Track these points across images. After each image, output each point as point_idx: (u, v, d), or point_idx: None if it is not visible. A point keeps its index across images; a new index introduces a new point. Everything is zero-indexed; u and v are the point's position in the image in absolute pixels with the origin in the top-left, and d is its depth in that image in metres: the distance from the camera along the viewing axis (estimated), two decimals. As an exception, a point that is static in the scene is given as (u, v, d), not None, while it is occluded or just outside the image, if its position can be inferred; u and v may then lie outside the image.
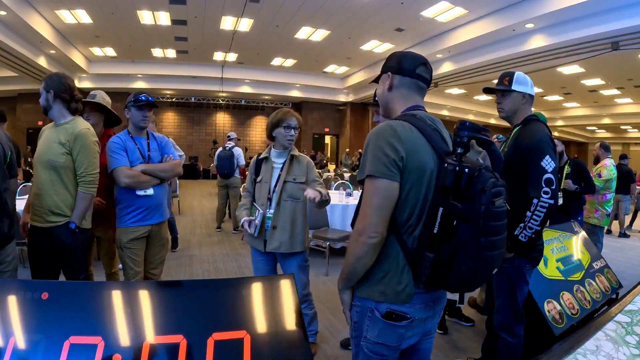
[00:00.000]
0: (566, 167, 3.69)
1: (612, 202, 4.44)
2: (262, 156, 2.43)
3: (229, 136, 6.51)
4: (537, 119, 1.91)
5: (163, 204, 2.54)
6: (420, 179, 1.13)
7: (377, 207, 1.11)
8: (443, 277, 1.09)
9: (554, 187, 1.70)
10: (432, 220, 1.08)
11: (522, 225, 1.73)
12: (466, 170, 1.05)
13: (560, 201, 3.59)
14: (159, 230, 2.53)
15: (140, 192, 2.37)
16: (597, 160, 4.57)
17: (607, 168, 4.38)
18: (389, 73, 1.29)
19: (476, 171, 1.04)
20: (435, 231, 1.07)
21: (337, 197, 5.28)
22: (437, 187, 1.11)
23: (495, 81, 2.05)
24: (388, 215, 1.12)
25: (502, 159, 1.15)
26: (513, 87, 1.92)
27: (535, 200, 1.70)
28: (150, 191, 2.41)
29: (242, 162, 6.29)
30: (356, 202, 4.63)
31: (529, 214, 1.71)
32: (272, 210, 2.32)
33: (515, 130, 1.95)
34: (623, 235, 7.29)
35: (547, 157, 1.73)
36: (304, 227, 2.38)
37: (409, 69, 1.26)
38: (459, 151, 1.08)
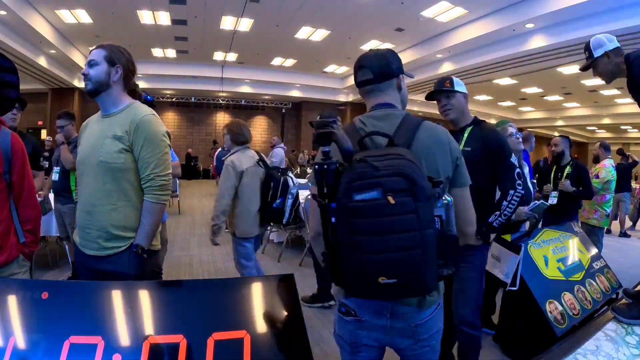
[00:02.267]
0: (567, 167, 3.68)
1: (611, 202, 4.43)
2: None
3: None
4: (482, 120, 2.10)
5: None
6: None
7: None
8: (338, 274, 1.00)
9: (523, 179, 1.97)
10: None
11: (497, 213, 1.93)
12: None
13: (555, 201, 3.58)
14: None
15: None
16: (596, 160, 4.56)
17: (606, 169, 4.37)
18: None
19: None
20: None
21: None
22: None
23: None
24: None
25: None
26: (456, 88, 2.02)
27: (511, 192, 1.92)
28: None
29: None
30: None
31: (505, 203, 1.92)
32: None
33: (469, 130, 2.03)
34: (623, 235, 7.28)
35: (512, 154, 1.97)
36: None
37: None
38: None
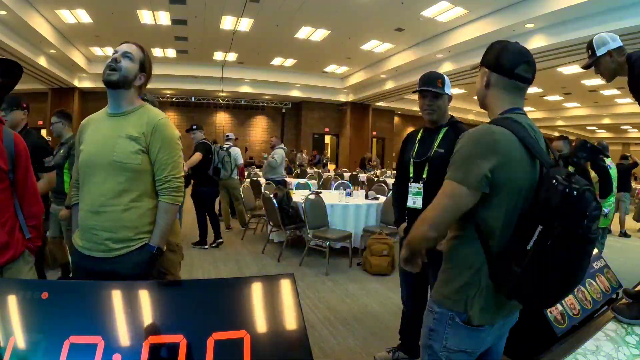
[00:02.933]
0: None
1: (611, 202, 4.44)
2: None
3: (227, 136, 6.51)
4: (458, 120, 2.11)
5: None
6: (514, 191, 1.09)
7: (448, 209, 1.10)
8: (526, 293, 1.07)
9: None
10: (527, 236, 1.03)
11: None
12: (575, 192, 0.99)
13: None
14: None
15: None
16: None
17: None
18: (487, 69, 1.20)
19: (581, 193, 0.99)
20: (528, 247, 1.03)
21: (337, 197, 5.29)
22: (537, 201, 1.06)
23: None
24: (452, 219, 1.12)
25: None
26: (445, 90, 2.02)
27: None
28: None
29: (240, 161, 6.30)
30: (356, 202, 4.58)
31: None
32: None
33: (444, 131, 2.04)
34: (623, 234, 7.31)
35: None
36: None
37: (507, 68, 1.16)
38: (572, 172, 1.04)
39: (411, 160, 2.11)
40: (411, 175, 2.09)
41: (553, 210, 1.00)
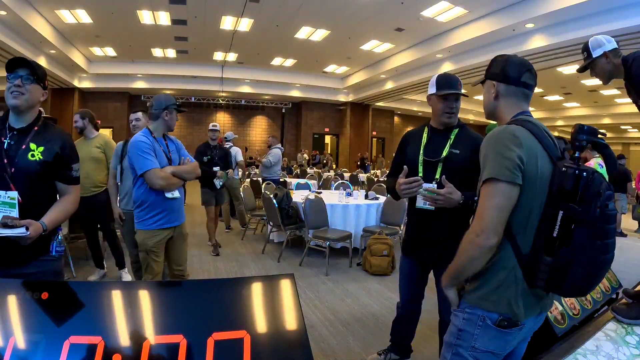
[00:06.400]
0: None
1: None
2: None
3: (226, 137, 6.50)
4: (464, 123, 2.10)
5: (182, 204, 2.60)
6: (536, 183, 1.14)
7: (498, 208, 1.11)
8: (560, 281, 1.10)
9: None
10: (551, 224, 1.10)
11: None
12: (584, 174, 1.06)
13: None
14: (181, 229, 2.56)
15: (169, 195, 2.39)
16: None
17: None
18: (494, 82, 1.29)
19: (591, 174, 1.06)
20: (554, 235, 1.09)
21: (337, 197, 5.29)
22: (552, 190, 1.12)
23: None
24: (506, 217, 1.13)
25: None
26: (463, 91, 2.02)
27: None
28: (176, 193, 2.44)
29: (240, 157, 6.29)
30: (356, 202, 4.55)
31: None
32: None
33: (456, 132, 2.01)
34: (620, 234, 7.37)
35: None
36: None
37: (514, 77, 1.26)
38: (577, 155, 1.12)
39: (421, 159, 2.03)
40: (421, 175, 2.00)
41: (569, 194, 1.07)
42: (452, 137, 2.00)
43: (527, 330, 1.23)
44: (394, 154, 2.35)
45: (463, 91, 2.01)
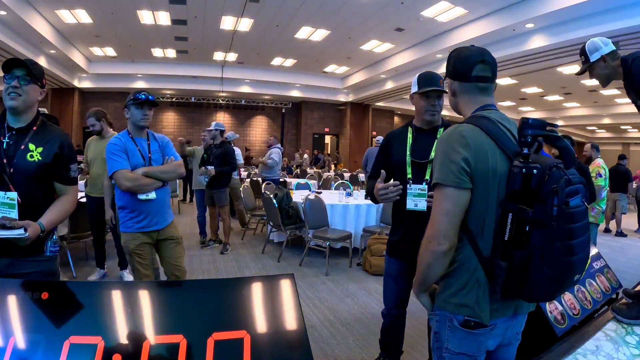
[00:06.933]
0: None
1: (606, 199, 4.55)
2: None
3: (226, 137, 6.48)
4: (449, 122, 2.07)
5: (166, 206, 2.48)
6: (487, 184, 1.09)
7: (447, 213, 1.08)
8: (518, 287, 1.04)
9: None
10: (503, 227, 1.04)
11: None
12: (534, 171, 0.99)
13: None
14: (168, 232, 2.48)
15: (142, 197, 2.29)
16: (588, 161, 4.63)
17: (603, 167, 4.49)
18: (450, 80, 1.26)
19: (546, 171, 0.98)
20: (505, 238, 1.02)
21: (337, 197, 5.29)
22: (506, 191, 1.06)
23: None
24: (458, 222, 1.10)
25: (573, 153, 1.06)
26: (445, 89, 1.98)
27: None
28: (152, 195, 2.32)
29: (240, 159, 6.30)
30: (356, 202, 4.53)
31: None
32: None
33: (442, 131, 1.97)
34: (620, 234, 7.37)
35: None
36: None
37: (464, 73, 1.22)
38: (525, 152, 1.03)
39: (408, 160, 2.02)
40: (409, 176, 1.99)
41: (520, 194, 1.01)
42: (439, 137, 1.98)
43: (501, 331, 1.18)
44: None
45: (445, 87, 2.00)
